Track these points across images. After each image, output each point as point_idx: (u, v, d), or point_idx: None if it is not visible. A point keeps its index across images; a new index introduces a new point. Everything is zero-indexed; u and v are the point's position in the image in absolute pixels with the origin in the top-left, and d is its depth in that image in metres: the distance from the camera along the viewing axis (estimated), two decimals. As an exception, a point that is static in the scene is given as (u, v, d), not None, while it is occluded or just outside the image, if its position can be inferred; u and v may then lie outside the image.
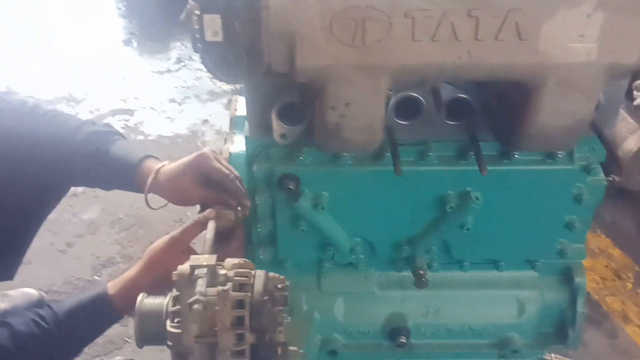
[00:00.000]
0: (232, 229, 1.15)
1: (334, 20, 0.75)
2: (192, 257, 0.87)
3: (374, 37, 0.75)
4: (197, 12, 0.72)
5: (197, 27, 0.73)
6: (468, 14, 0.75)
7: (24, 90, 3.44)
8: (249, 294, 0.87)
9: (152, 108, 3.24)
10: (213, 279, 0.84)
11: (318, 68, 0.78)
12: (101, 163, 1.25)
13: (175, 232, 1.12)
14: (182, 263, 0.96)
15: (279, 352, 0.89)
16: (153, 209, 1.24)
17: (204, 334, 0.85)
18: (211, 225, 1.05)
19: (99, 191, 2.62)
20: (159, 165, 1.20)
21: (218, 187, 1.15)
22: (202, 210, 1.18)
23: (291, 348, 1.11)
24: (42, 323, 1.04)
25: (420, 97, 0.98)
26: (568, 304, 1.27)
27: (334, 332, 1.27)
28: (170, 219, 2.42)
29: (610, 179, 1.13)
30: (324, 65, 0.77)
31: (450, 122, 1.02)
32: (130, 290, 1.07)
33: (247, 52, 0.74)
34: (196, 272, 0.83)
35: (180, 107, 3.27)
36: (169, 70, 3.69)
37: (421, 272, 1.16)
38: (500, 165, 1.05)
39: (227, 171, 1.12)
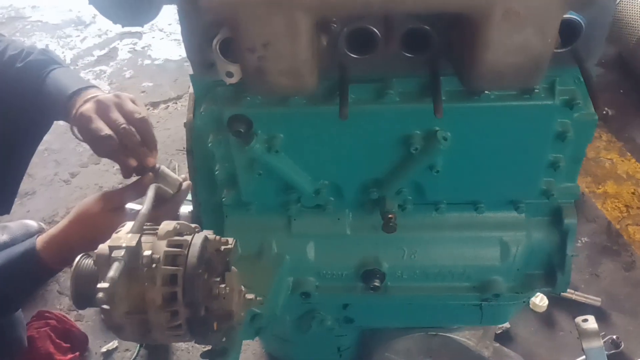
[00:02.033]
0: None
1: (233, -53, 0.63)
2: (114, 235, 0.81)
3: (282, -34, 0.64)
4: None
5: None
6: None
7: (33, 15, 3.38)
8: (182, 268, 0.81)
9: (160, 30, 3.14)
10: (133, 261, 0.78)
11: (225, 5, 0.67)
12: (37, 95, 1.19)
13: (110, 190, 1.07)
14: (112, 223, 0.90)
15: (215, 327, 0.84)
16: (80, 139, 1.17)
17: (134, 311, 0.81)
18: (150, 195, 0.95)
19: (103, 119, 2.60)
20: (91, 95, 1.12)
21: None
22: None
23: (248, 296, 1.07)
24: None
25: (373, 29, 0.87)
26: (557, 246, 1.18)
27: (306, 274, 1.23)
28: (173, 148, 2.38)
29: (605, 112, 1.01)
30: (230, 1, 0.67)
31: (409, 55, 0.90)
32: (59, 244, 1.04)
33: (134, -10, 0.65)
34: (114, 253, 0.77)
35: (190, 28, 3.13)
36: (180, -12, 3.52)
37: (390, 216, 1.08)
38: (468, 102, 0.93)
39: (121, 121, 1.05)
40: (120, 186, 2.25)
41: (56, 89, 1.16)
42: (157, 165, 1.20)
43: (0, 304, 1.13)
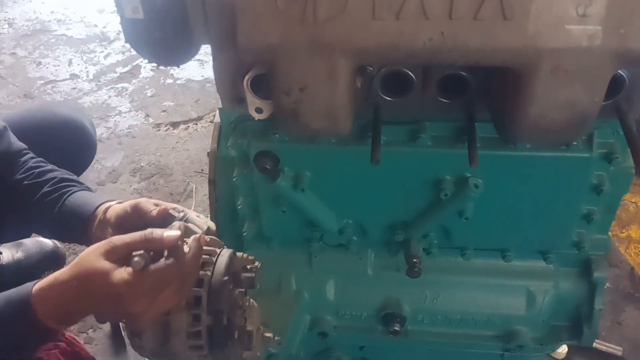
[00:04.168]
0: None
1: (278, -8, 0.62)
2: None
3: (326, 13, 0.62)
4: (112, -17, 0.61)
5: (115, 1, 0.62)
6: (441, -14, 0.61)
7: (59, 29, 3.40)
8: (209, 272, 0.80)
9: (184, 49, 3.14)
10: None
11: (264, 47, 0.66)
12: (53, 216, 1.17)
13: (118, 238, 0.93)
14: (112, 284, 0.81)
15: (236, 336, 0.83)
16: None
17: None
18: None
19: (122, 138, 2.60)
20: (107, 205, 1.11)
21: None
22: None
23: (267, 334, 1.05)
24: None
25: (410, 73, 0.85)
26: (585, 298, 1.14)
27: (324, 313, 1.20)
28: (191, 169, 2.36)
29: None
30: (270, 44, 0.65)
31: (445, 101, 0.88)
32: (56, 299, 0.84)
33: (173, 31, 0.63)
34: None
35: (214, 48, 3.14)
36: (206, 8, 3.54)
37: (414, 260, 1.06)
38: (503, 150, 0.91)
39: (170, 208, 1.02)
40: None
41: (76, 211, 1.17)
42: (184, 213, 1.18)
43: None
